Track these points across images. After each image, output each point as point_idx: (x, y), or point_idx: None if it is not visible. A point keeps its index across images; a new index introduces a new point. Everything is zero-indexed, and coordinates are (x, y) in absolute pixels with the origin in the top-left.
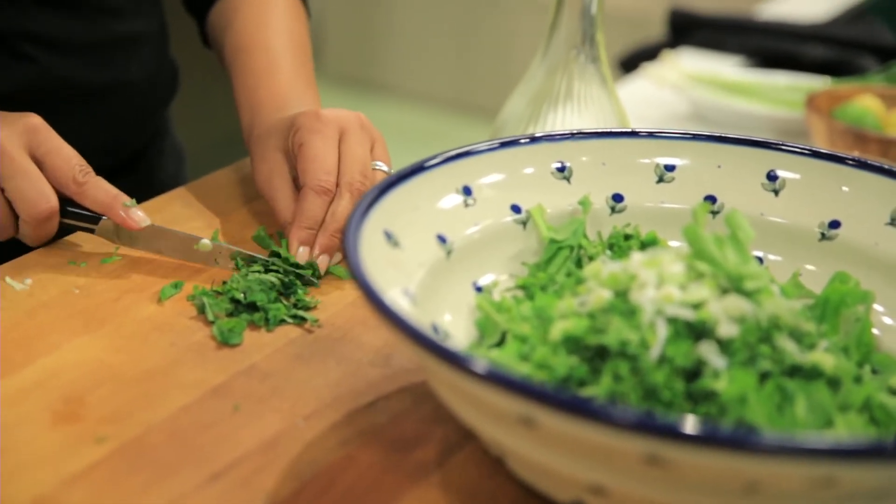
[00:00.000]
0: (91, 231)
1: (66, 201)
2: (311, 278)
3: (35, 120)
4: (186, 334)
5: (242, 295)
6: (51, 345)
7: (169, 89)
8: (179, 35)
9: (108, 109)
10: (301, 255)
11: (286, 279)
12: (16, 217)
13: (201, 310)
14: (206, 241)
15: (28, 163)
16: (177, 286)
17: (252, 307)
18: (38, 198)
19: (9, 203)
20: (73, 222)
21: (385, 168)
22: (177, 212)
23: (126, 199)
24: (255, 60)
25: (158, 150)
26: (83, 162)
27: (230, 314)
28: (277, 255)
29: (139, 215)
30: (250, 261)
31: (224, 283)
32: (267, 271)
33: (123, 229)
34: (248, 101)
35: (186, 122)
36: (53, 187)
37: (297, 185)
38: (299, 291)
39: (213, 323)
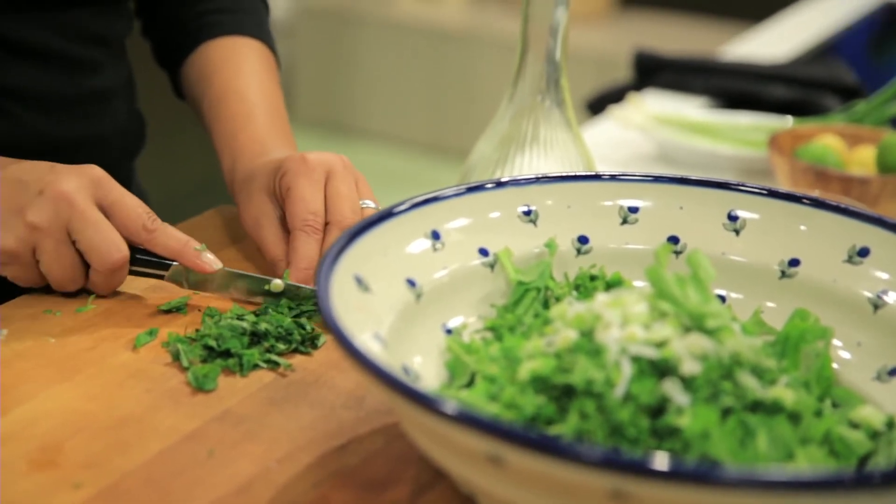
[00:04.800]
0: (160, 277)
1: (133, 249)
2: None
3: (98, 171)
4: (161, 381)
5: (215, 342)
6: (27, 394)
7: (138, 141)
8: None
9: (82, 162)
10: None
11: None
12: (86, 267)
13: (176, 356)
14: (278, 282)
15: (98, 214)
16: (152, 333)
17: (226, 353)
18: (110, 248)
19: (79, 254)
20: (142, 269)
21: (373, 205)
22: None
23: (196, 243)
24: (232, 108)
25: None
26: (149, 209)
27: (204, 360)
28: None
29: (211, 258)
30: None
31: (197, 330)
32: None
33: (194, 274)
34: (228, 147)
35: (148, 172)
36: (123, 236)
37: (284, 225)
38: (272, 338)
39: (187, 369)
